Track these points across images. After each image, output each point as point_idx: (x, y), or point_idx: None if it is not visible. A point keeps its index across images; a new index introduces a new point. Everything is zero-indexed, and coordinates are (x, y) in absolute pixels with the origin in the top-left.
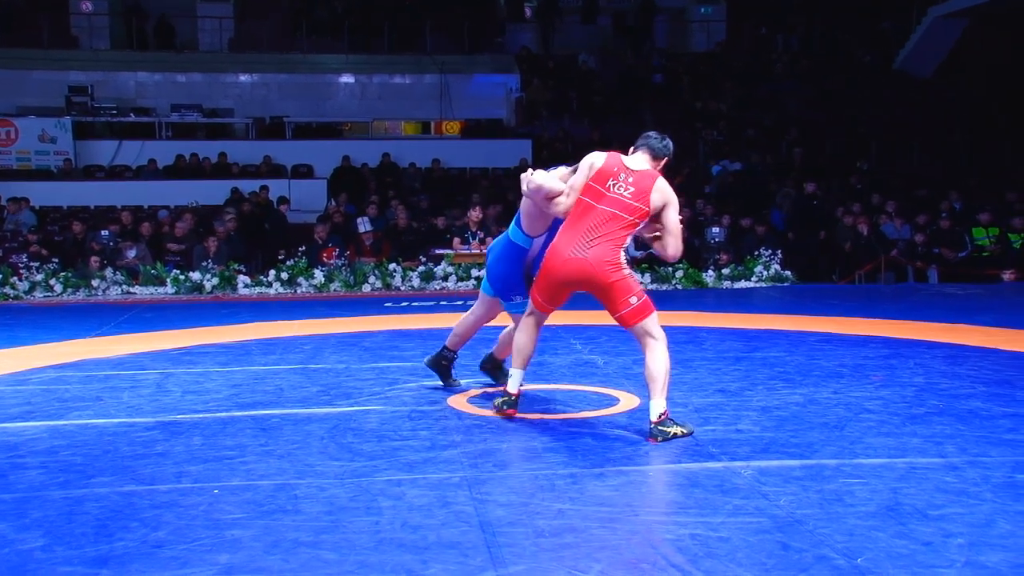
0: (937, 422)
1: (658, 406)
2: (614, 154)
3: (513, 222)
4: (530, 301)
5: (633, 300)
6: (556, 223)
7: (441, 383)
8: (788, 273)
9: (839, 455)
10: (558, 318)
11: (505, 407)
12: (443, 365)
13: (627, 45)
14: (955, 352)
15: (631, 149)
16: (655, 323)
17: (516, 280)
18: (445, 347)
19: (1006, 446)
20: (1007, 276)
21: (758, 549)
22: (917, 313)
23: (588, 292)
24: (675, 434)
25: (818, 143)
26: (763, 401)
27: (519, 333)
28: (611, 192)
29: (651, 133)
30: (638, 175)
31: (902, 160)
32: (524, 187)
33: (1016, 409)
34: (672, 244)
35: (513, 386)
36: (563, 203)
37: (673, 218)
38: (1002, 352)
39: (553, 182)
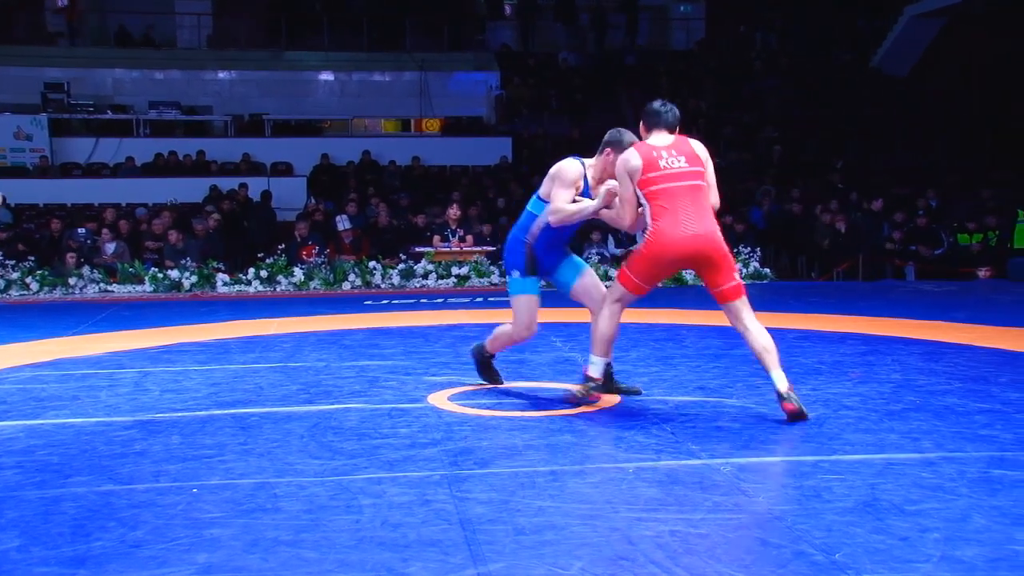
0: (914, 418)
1: (782, 377)
2: (640, 144)
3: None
4: (622, 287)
5: (737, 276)
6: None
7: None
8: (767, 271)
9: (818, 451)
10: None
11: (592, 391)
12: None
13: (595, 33)
14: (932, 349)
15: (642, 130)
16: (748, 302)
17: (519, 250)
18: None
19: (981, 441)
20: (983, 273)
21: (737, 545)
22: (894, 310)
23: (696, 268)
24: (799, 410)
25: (798, 141)
26: (743, 398)
27: (604, 320)
28: (671, 169)
29: (655, 106)
30: (675, 145)
31: (880, 158)
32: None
33: (991, 405)
34: (714, 198)
35: (597, 372)
36: (626, 219)
37: (712, 177)
38: (977, 348)
39: (567, 208)
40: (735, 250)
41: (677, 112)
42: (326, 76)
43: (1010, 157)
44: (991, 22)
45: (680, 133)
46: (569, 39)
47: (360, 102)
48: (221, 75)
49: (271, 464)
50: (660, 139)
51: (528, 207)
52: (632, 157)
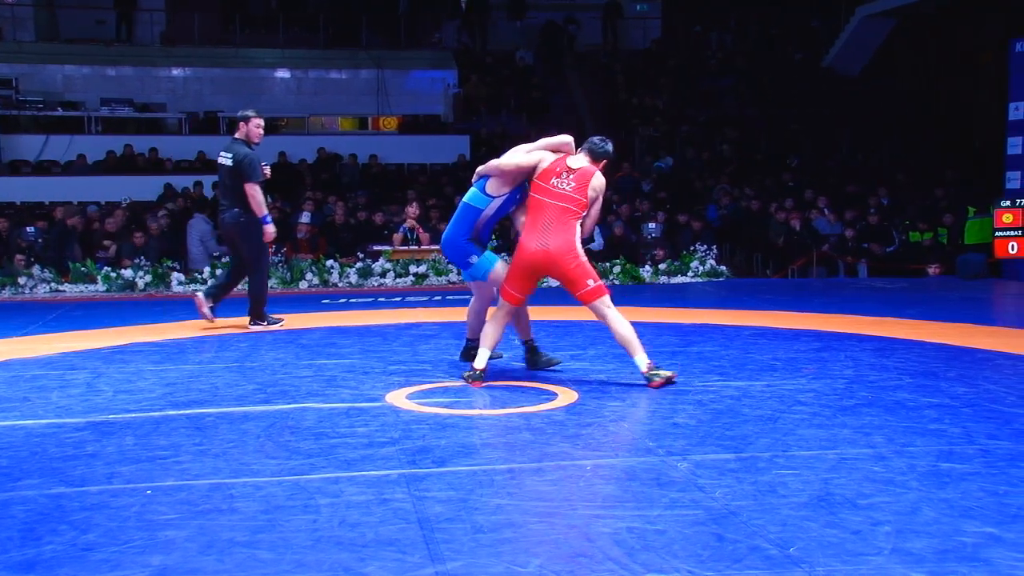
0: (866, 413)
1: (642, 360)
2: (560, 157)
3: (474, 187)
4: (501, 297)
5: (590, 283)
6: (519, 188)
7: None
8: (723, 268)
9: (772, 447)
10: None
11: (472, 379)
12: (472, 353)
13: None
14: (883, 345)
15: (578, 150)
16: (609, 300)
17: (463, 241)
18: (467, 338)
19: (931, 436)
20: (932, 270)
21: (694, 541)
22: (847, 307)
23: (553, 277)
24: (666, 377)
25: (753, 140)
26: (699, 395)
27: (489, 324)
28: (556, 188)
29: (594, 138)
30: (578, 172)
31: (832, 156)
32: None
33: (940, 400)
34: (588, 227)
35: (481, 362)
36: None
37: (595, 209)
38: (927, 344)
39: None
40: (691, 248)
41: (608, 148)
42: (282, 73)
43: (959, 156)
44: (941, 23)
45: (588, 162)
46: (527, 35)
47: (317, 100)
48: (175, 72)
49: (227, 464)
50: (575, 160)
51: (464, 200)
52: (545, 159)
